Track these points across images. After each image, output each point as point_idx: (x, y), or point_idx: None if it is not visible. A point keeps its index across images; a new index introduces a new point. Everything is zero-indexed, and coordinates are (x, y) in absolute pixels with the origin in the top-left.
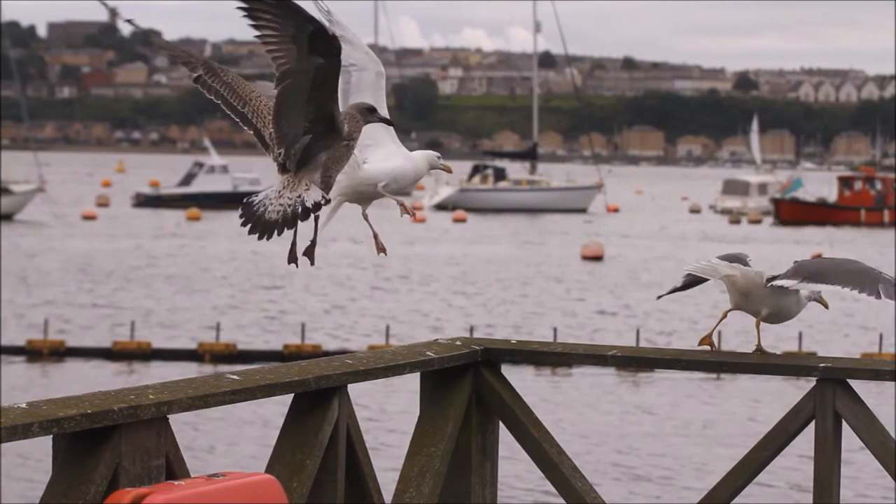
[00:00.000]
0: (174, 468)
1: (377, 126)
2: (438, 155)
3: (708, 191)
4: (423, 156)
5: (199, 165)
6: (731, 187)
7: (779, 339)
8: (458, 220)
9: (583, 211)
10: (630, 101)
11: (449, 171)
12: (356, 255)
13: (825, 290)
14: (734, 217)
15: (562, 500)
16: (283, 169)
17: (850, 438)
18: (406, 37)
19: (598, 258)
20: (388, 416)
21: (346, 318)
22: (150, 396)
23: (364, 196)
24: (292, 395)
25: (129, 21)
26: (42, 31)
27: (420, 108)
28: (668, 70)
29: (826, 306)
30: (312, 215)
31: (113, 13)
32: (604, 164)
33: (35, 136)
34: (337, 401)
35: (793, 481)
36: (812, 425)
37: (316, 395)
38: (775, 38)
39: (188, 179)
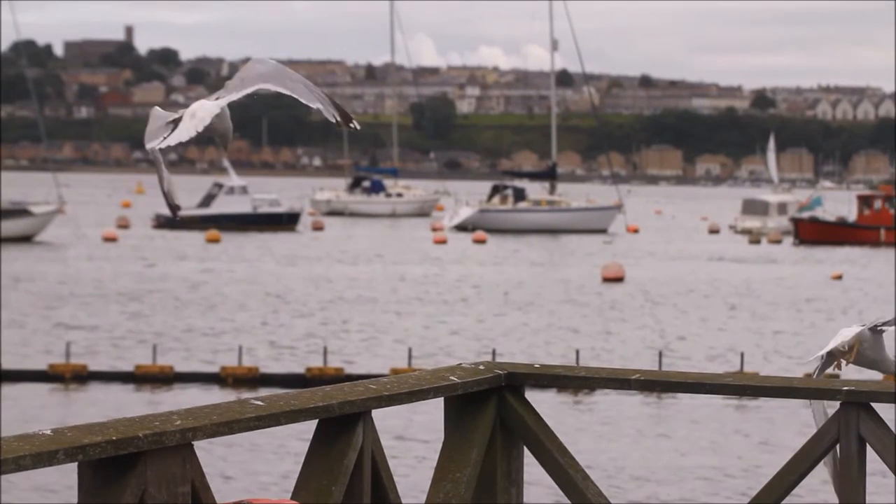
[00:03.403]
0: (200, 495)
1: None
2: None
3: (727, 210)
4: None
5: (219, 186)
6: (751, 207)
7: (799, 360)
8: (478, 241)
9: (603, 231)
10: (648, 120)
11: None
12: (376, 277)
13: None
14: (754, 237)
15: None
16: None
17: (874, 462)
18: (422, 55)
19: (618, 279)
20: (412, 442)
21: (367, 340)
22: (176, 423)
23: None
24: (316, 420)
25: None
26: (59, 51)
27: (437, 128)
28: (685, 88)
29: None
30: None
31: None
32: (623, 183)
33: (53, 156)
34: (361, 426)
35: None
36: (836, 449)
37: (340, 420)
38: (792, 55)
39: (207, 200)
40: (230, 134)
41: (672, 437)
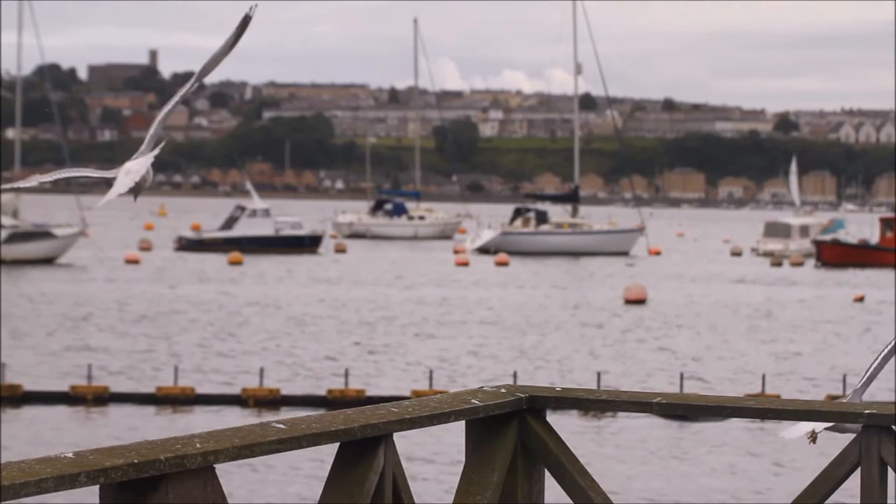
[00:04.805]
0: None
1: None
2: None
3: (749, 233)
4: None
5: (241, 209)
6: (773, 230)
7: (820, 383)
8: (500, 264)
9: (625, 254)
10: (671, 143)
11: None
12: (397, 299)
13: None
14: (776, 259)
15: None
16: None
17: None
18: (446, 79)
19: (640, 301)
20: (432, 465)
21: (389, 362)
22: (197, 445)
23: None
24: (338, 444)
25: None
26: (83, 74)
27: (460, 151)
28: (708, 111)
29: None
30: None
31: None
32: (645, 206)
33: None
34: (383, 450)
35: None
36: (858, 472)
37: (362, 443)
38: (815, 79)
39: (230, 223)
40: (147, 186)
41: (693, 459)
